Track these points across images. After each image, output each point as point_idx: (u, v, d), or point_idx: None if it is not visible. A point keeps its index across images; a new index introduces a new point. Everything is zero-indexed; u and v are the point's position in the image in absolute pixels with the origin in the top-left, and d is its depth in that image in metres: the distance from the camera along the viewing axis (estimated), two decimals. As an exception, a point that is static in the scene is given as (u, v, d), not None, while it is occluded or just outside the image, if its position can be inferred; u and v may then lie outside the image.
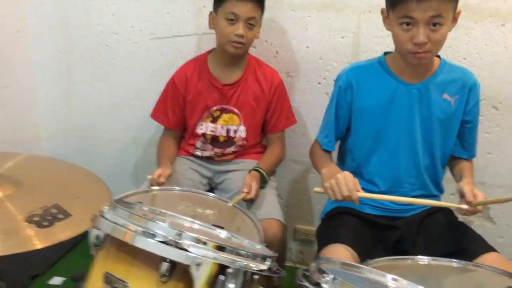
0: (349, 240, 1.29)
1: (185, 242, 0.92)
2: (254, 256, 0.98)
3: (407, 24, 1.25)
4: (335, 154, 1.58)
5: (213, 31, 1.68)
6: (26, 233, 1.15)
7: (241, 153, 1.77)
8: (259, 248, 1.12)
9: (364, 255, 1.24)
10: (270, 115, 1.75)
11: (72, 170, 1.58)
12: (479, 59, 1.69)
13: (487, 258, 1.24)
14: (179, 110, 1.74)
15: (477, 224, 1.87)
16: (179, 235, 0.93)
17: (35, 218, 1.20)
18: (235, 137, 1.73)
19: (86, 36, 2.03)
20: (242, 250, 0.97)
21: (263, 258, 0.99)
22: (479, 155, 1.71)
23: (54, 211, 1.24)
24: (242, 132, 1.73)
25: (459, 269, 1.17)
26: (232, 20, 1.57)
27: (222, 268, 0.93)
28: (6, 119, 2.08)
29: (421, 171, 1.44)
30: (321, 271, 0.90)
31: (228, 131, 1.72)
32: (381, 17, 1.37)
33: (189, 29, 1.92)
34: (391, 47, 1.39)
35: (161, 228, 0.94)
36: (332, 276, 0.89)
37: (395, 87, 1.40)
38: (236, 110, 1.71)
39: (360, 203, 1.43)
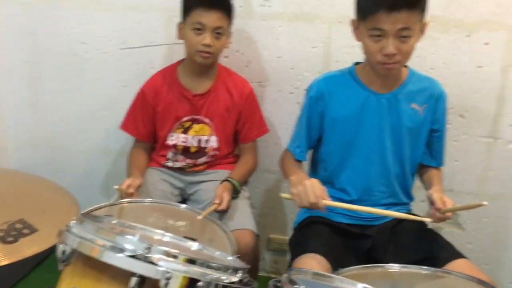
0: (321, 249, 1.29)
1: (155, 256, 0.91)
2: (225, 268, 0.97)
3: (377, 35, 1.27)
4: (306, 164, 1.59)
5: (183, 40, 1.67)
6: (-10, 249, 1.12)
7: (213, 163, 1.76)
8: (231, 259, 1.11)
9: (337, 264, 1.25)
10: (242, 124, 1.75)
11: (38, 183, 1.54)
12: (446, 69, 1.73)
13: (456, 265, 1.26)
14: (149, 121, 1.72)
15: (446, 231, 1.90)
16: (148, 248, 0.91)
17: (-1, 234, 1.16)
18: (206, 147, 1.72)
19: (54, 46, 1.99)
20: (213, 262, 0.96)
21: (235, 270, 0.99)
22: (447, 163, 1.75)
23: (19, 226, 1.21)
24: (213, 142, 1.72)
25: (428, 276, 1.19)
26: (199, 30, 1.57)
27: (192, 282, 0.92)
28: (-29, 131, 2.03)
29: (392, 179, 1.46)
30: (292, 282, 0.91)
31: (199, 141, 1.71)
32: (351, 28, 1.39)
33: (160, 39, 1.91)
34: (361, 57, 1.41)
35: (130, 242, 0.92)
36: (303, 287, 0.89)
37: (365, 97, 1.42)
38: (207, 120, 1.71)
39: (332, 212, 1.45)
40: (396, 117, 1.41)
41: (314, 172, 1.57)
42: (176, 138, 1.71)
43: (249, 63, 1.87)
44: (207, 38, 1.57)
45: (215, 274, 0.94)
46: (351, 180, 1.46)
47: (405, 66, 1.43)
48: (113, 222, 1.14)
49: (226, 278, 0.96)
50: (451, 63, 1.72)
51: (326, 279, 0.99)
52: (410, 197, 1.54)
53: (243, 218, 1.57)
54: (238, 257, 1.18)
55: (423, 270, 1.20)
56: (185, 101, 1.69)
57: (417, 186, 1.56)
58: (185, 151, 1.72)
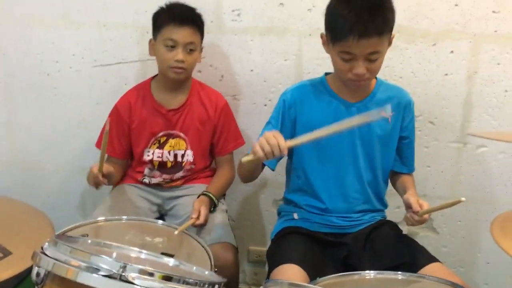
0: (298, 259, 1.30)
1: (130, 275, 0.90)
2: (202, 284, 0.98)
3: (347, 58, 1.31)
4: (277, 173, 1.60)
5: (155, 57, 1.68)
6: (-38, 274, 1.09)
7: (190, 178, 1.76)
8: (207, 274, 1.11)
9: (314, 274, 1.26)
10: (218, 137, 1.76)
11: (11, 204, 1.51)
12: (414, 77, 1.78)
13: (430, 269, 1.29)
14: (124, 138, 1.72)
15: (422, 235, 1.94)
16: (124, 267, 0.91)
17: (-28, 258, 1.14)
18: (182, 161, 1.72)
19: (25, 65, 1.98)
20: (189, 278, 0.96)
21: (212, 285, 0.99)
22: (419, 169, 1.79)
23: (-8, 249, 1.19)
24: (189, 156, 1.72)
25: (404, 281, 1.21)
26: (171, 46, 1.58)
27: (170, 298, 0.92)
28: None
29: (365, 186, 1.49)
30: (269, 294, 0.91)
31: (175, 156, 1.72)
32: (321, 41, 1.42)
33: (133, 56, 1.91)
34: (332, 68, 1.44)
35: (105, 262, 0.92)
36: (279, 298, 0.90)
37: (336, 106, 1.45)
38: (182, 135, 1.71)
39: (309, 222, 1.47)
40: (366, 125, 1.44)
41: (288, 180, 1.59)
42: (152, 154, 1.71)
43: (222, 77, 1.89)
44: (179, 54, 1.58)
45: (192, 290, 0.95)
46: (325, 187, 1.48)
47: None
48: (89, 242, 1.13)
49: (203, 293, 0.96)
50: (418, 72, 1.77)
51: (302, 289, 1.00)
52: (384, 204, 1.57)
53: (221, 231, 1.57)
54: (216, 271, 1.18)
55: (399, 275, 1.22)
56: (160, 116, 1.70)
57: (391, 193, 1.59)
58: (161, 166, 1.72)
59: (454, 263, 1.95)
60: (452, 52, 1.74)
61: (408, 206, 1.34)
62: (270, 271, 1.35)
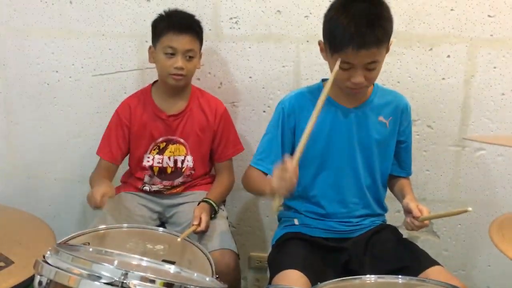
0: (299, 265, 1.31)
1: (132, 282, 0.91)
2: (203, 290, 0.98)
3: (346, 68, 1.32)
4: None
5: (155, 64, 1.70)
6: (-36, 284, 1.10)
7: (190, 184, 1.77)
8: (208, 280, 1.12)
9: (315, 279, 1.26)
10: (217, 143, 1.76)
11: (12, 214, 1.52)
12: (411, 82, 1.79)
13: (431, 272, 1.29)
14: (123, 142, 1.72)
15: (422, 239, 1.94)
16: (125, 275, 0.91)
17: (-26, 268, 1.14)
18: (182, 167, 1.73)
19: (25, 76, 1.99)
20: (190, 285, 0.96)
21: (213, 291, 0.99)
22: (419, 173, 1.81)
23: (-6, 259, 1.19)
24: (189, 161, 1.73)
25: (404, 285, 1.21)
26: (171, 54, 1.60)
27: (171, 305, 0.92)
28: None
29: (364, 191, 1.49)
30: (270, 299, 0.91)
31: (175, 161, 1.72)
32: (318, 47, 1.43)
33: (132, 64, 1.93)
34: (329, 74, 1.44)
35: (106, 270, 0.92)
36: (280, 303, 0.90)
37: (334, 112, 1.46)
38: (182, 140, 1.72)
39: (309, 227, 1.48)
40: (364, 130, 1.45)
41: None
42: (152, 160, 1.72)
43: (221, 84, 1.90)
44: (179, 62, 1.60)
45: (193, 296, 0.95)
46: (324, 193, 1.48)
47: None
48: (90, 250, 1.13)
49: (204, 299, 0.97)
50: (416, 76, 1.78)
51: (303, 294, 1.01)
52: (384, 208, 1.58)
53: (222, 238, 1.57)
54: (217, 277, 1.19)
55: (399, 279, 1.22)
56: (160, 121, 1.71)
57: (391, 197, 1.60)
58: (161, 172, 1.73)
59: (455, 266, 1.95)
60: (449, 56, 1.75)
61: (408, 212, 1.35)
62: (271, 277, 1.35)
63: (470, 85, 1.77)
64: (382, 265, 1.35)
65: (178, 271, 1.12)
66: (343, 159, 1.46)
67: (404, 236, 1.54)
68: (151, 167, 1.73)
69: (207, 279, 1.12)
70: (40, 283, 0.98)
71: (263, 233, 2.06)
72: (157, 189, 1.74)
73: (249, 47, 1.85)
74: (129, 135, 1.73)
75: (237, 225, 2.05)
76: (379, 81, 1.50)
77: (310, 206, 1.50)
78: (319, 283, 1.19)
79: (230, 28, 1.83)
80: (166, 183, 1.74)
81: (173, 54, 1.60)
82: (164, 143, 1.72)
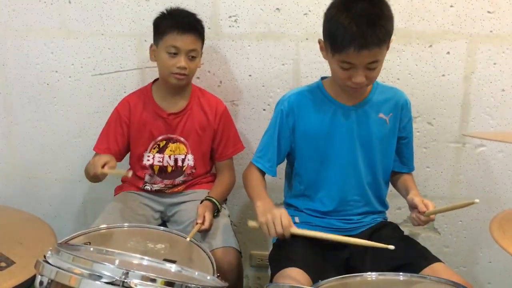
0: (300, 263, 1.31)
1: (133, 281, 0.91)
2: (204, 289, 0.98)
3: (347, 67, 1.32)
4: (277, 179, 1.61)
5: (155, 63, 1.69)
6: (-34, 285, 1.10)
7: (191, 183, 1.77)
8: (209, 279, 1.12)
9: (316, 277, 1.26)
10: (217, 142, 1.76)
11: (13, 214, 1.52)
12: (411, 79, 1.79)
13: (432, 269, 1.29)
14: (121, 139, 1.72)
15: (424, 236, 1.94)
16: (126, 274, 0.92)
17: (-25, 268, 1.15)
18: (183, 166, 1.73)
19: (25, 76, 1.99)
20: (191, 284, 0.97)
21: (214, 290, 1.00)
22: (419, 169, 1.80)
23: (-5, 259, 1.19)
24: (190, 160, 1.73)
25: (406, 282, 1.21)
26: (173, 53, 1.59)
27: (172, 304, 0.93)
28: None
29: (365, 188, 1.49)
30: (271, 298, 0.92)
31: (176, 160, 1.72)
32: (318, 46, 1.42)
33: (131, 64, 1.92)
34: (329, 72, 1.45)
35: (107, 269, 0.93)
36: (281, 301, 0.90)
37: (333, 110, 1.45)
38: (182, 139, 1.72)
39: (310, 225, 1.48)
40: (365, 127, 1.45)
41: (289, 186, 1.59)
42: (152, 158, 1.72)
43: (221, 83, 1.90)
44: (182, 61, 1.59)
45: (194, 295, 0.95)
46: (326, 191, 1.48)
47: None
48: (91, 249, 1.14)
49: (205, 298, 0.97)
50: (415, 73, 1.78)
51: (304, 292, 1.01)
52: (385, 205, 1.58)
53: (224, 236, 1.58)
54: (218, 276, 1.19)
55: (400, 276, 1.22)
56: (160, 119, 1.71)
57: (392, 194, 1.60)
58: (162, 171, 1.73)
59: (457, 263, 1.95)
60: (448, 53, 1.75)
61: (413, 207, 1.35)
62: (272, 275, 1.35)
63: (470, 81, 1.77)
64: (383, 263, 1.35)
65: (179, 270, 1.13)
66: (344, 157, 1.46)
67: (405, 233, 1.54)
68: (152, 166, 1.73)
69: (208, 277, 1.12)
70: (41, 283, 0.98)
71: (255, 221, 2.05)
72: (158, 188, 1.75)
73: (249, 46, 1.84)
74: (128, 133, 1.72)
75: (238, 223, 2.05)
76: (379, 78, 1.49)
77: (311, 203, 1.50)
78: (320, 280, 1.19)
79: (229, 26, 1.83)
80: (167, 182, 1.74)
81: (176, 54, 1.60)
82: (164, 142, 1.72)
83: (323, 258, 1.40)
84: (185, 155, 1.73)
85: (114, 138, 1.71)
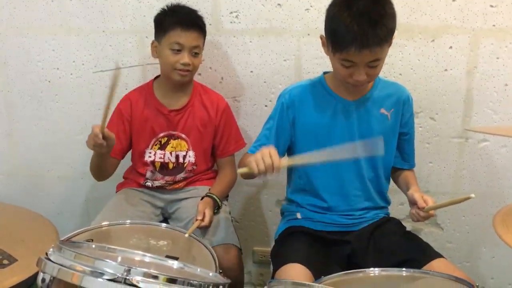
0: (303, 258, 1.31)
1: (135, 278, 0.91)
2: (206, 285, 0.98)
3: (348, 65, 1.31)
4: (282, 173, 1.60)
5: (157, 60, 1.69)
6: (-31, 282, 1.11)
7: (192, 180, 1.77)
8: (212, 275, 1.12)
9: (319, 273, 1.26)
10: (219, 139, 1.76)
11: (15, 212, 1.53)
12: (413, 74, 1.78)
13: (434, 264, 1.29)
14: (124, 136, 1.72)
15: (426, 231, 1.94)
16: (128, 271, 0.92)
17: (-22, 266, 1.15)
18: (184, 162, 1.73)
19: (26, 73, 1.99)
20: (193, 280, 0.96)
21: (216, 286, 1.00)
22: (422, 165, 1.80)
23: (-2, 257, 1.20)
24: (191, 157, 1.73)
25: (408, 277, 1.21)
26: (177, 50, 1.59)
27: (174, 300, 0.93)
28: None
29: (366, 183, 1.49)
30: (273, 294, 0.91)
31: (177, 157, 1.72)
32: (319, 40, 1.41)
33: (133, 61, 1.92)
34: (331, 67, 1.44)
35: (109, 266, 0.93)
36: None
37: (335, 104, 1.45)
38: (183, 136, 1.72)
39: (312, 221, 1.48)
40: (366, 123, 1.45)
41: (290, 181, 1.59)
42: (154, 155, 1.72)
43: (222, 79, 1.90)
44: (185, 58, 1.59)
45: (196, 291, 0.95)
46: (326, 186, 1.48)
47: None
48: (93, 246, 1.14)
49: (207, 295, 0.97)
50: (418, 68, 1.77)
51: (306, 288, 1.01)
52: (387, 201, 1.57)
53: (225, 233, 1.58)
54: (220, 272, 1.19)
55: (403, 272, 1.22)
56: (161, 116, 1.70)
57: (395, 190, 1.59)
58: (163, 167, 1.73)
59: (459, 258, 1.95)
60: (451, 47, 1.74)
61: (413, 203, 1.35)
62: (275, 271, 1.35)
63: (473, 76, 1.76)
64: (386, 258, 1.35)
65: (181, 267, 1.13)
66: (345, 152, 1.46)
67: (408, 228, 1.54)
68: (153, 162, 1.73)
69: (211, 274, 1.13)
70: (43, 280, 0.98)
71: (266, 227, 2.06)
72: (159, 184, 1.74)
73: (250, 41, 1.84)
74: (130, 130, 1.72)
75: (240, 220, 2.05)
76: (381, 73, 1.48)
77: (312, 199, 1.50)
78: (322, 276, 1.19)
79: (231, 22, 1.83)
80: (168, 178, 1.74)
81: (179, 50, 1.60)
82: (166, 138, 1.72)
83: (325, 254, 1.40)
84: (186, 152, 1.73)
85: (117, 135, 1.71)
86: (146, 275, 0.93)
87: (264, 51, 1.84)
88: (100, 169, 1.61)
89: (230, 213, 1.72)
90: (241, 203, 2.03)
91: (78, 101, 1.99)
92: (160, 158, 1.72)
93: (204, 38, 1.68)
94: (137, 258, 1.13)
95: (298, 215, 1.51)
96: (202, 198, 1.63)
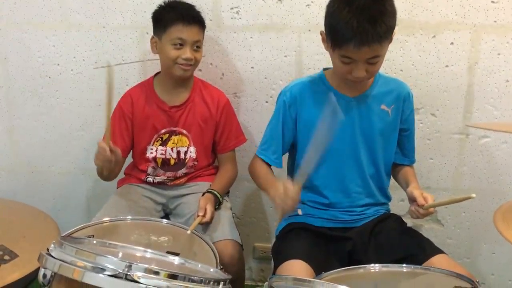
0: (304, 255, 1.31)
1: (136, 274, 0.91)
2: (207, 281, 0.98)
3: (347, 62, 1.31)
4: (281, 171, 1.61)
5: (157, 56, 1.69)
6: (-30, 278, 1.11)
7: (193, 175, 1.77)
8: (213, 271, 1.12)
9: (320, 269, 1.26)
10: (219, 135, 1.76)
11: (16, 208, 1.53)
12: (414, 70, 1.78)
13: (435, 260, 1.29)
14: (127, 134, 1.72)
15: (427, 228, 1.94)
16: (129, 267, 0.92)
17: (-21, 262, 1.15)
18: (185, 158, 1.73)
19: (26, 69, 1.98)
20: (194, 276, 0.97)
21: (217, 282, 1.00)
22: (422, 161, 1.80)
23: (-1, 252, 1.20)
24: (192, 152, 1.73)
25: (409, 274, 1.21)
26: (179, 44, 1.59)
27: (176, 296, 0.93)
28: None
29: (367, 179, 1.49)
30: (274, 290, 0.92)
31: (178, 153, 1.72)
32: (320, 35, 1.41)
33: (133, 56, 1.92)
34: (332, 64, 1.44)
35: (110, 262, 0.93)
36: (284, 293, 0.90)
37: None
38: (185, 132, 1.72)
39: (313, 217, 1.48)
40: (366, 119, 1.44)
41: (291, 177, 1.58)
42: (155, 151, 1.72)
43: (223, 75, 1.89)
44: (188, 53, 1.60)
45: (197, 287, 0.95)
46: (328, 183, 1.48)
47: None
48: (94, 242, 1.14)
49: (208, 290, 0.97)
50: (419, 64, 1.77)
51: (307, 284, 1.01)
52: (388, 197, 1.57)
53: (226, 228, 1.58)
54: (221, 268, 1.19)
55: (404, 268, 1.22)
56: (162, 113, 1.70)
57: (395, 186, 1.60)
58: (165, 163, 1.73)
59: (460, 254, 1.95)
60: (452, 43, 1.73)
61: (413, 200, 1.35)
62: (275, 267, 1.36)
63: (474, 72, 1.75)
64: (386, 254, 1.35)
65: (182, 263, 1.13)
66: (346, 148, 1.46)
67: (408, 224, 1.54)
68: (154, 158, 1.73)
69: (212, 270, 1.13)
70: (44, 276, 0.98)
71: (267, 223, 2.06)
72: (160, 180, 1.75)
73: (251, 37, 1.83)
74: (132, 127, 1.72)
75: (241, 216, 2.05)
76: (381, 69, 1.48)
77: (313, 196, 1.50)
78: (323, 272, 1.20)
79: (231, 18, 1.82)
80: (169, 174, 1.74)
81: (181, 45, 1.60)
82: (167, 135, 1.72)
83: (326, 250, 1.41)
84: (188, 148, 1.73)
85: (120, 133, 1.72)
86: (147, 271, 0.93)
87: (265, 47, 1.83)
88: (109, 175, 1.62)
89: (231, 209, 1.72)
90: (242, 199, 2.03)
91: (78, 97, 1.99)
92: (162, 154, 1.72)
93: (204, 32, 1.68)
94: (138, 254, 1.13)
95: (299, 212, 1.51)
96: (203, 194, 1.63)
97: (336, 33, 1.29)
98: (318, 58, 1.80)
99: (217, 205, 1.64)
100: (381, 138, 1.47)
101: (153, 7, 1.68)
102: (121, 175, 1.83)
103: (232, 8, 1.81)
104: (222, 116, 1.75)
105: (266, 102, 1.90)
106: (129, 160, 1.81)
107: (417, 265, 1.23)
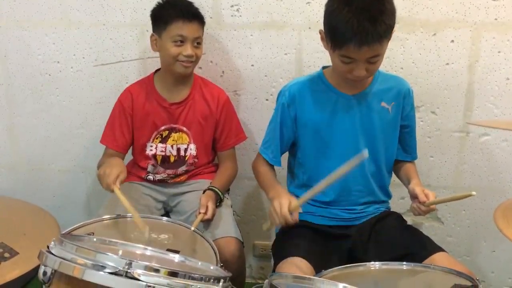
0: (304, 252, 1.31)
1: (136, 271, 0.91)
2: (207, 279, 0.98)
3: (348, 62, 1.30)
4: (281, 169, 1.61)
5: (157, 53, 1.69)
6: (-30, 275, 1.10)
7: (194, 173, 1.77)
8: (213, 269, 1.12)
9: (320, 266, 1.27)
10: (220, 132, 1.76)
11: (16, 205, 1.53)
12: (415, 67, 1.77)
13: (435, 258, 1.29)
14: (127, 130, 1.72)
15: (427, 225, 1.94)
16: (129, 264, 0.92)
17: (-21, 259, 1.15)
18: (185, 155, 1.73)
19: (26, 67, 1.98)
20: (195, 273, 0.97)
21: (217, 280, 1.00)
22: (423, 159, 1.80)
23: (-1, 250, 1.20)
24: (192, 150, 1.73)
25: (409, 271, 1.22)
26: (180, 41, 1.59)
27: (176, 293, 0.93)
28: None
29: (368, 178, 1.49)
30: (273, 287, 0.92)
31: (178, 150, 1.72)
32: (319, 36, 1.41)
33: (133, 54, 1.92)
34: (331, 62, 1.43)
35: (111, 259, 0.93)
36: (284, 291, 0.91)
37: (335, 99, 1.45)
38: (185, 129, 1.72)
39: (313, 215, 1.48)
40: (367, 116, 1.44)
41: (292, 176, 1.59)
42: (155, 148, 1.72)
43: (223, 73, 1.89)
44: (188, 49, 1.60)
45: (197, 285, 0.95)
46: None
47: None
48: (94, 240, 1.14)
49: (208, 288, 0.97)
50: (419, 62, 1.76)
51: (307, 282, 1.01)
52: (388, 195, 1.57)
53: (227, 226, 1.58)
54: (221, 266, 1.19)
55: (404, 265, 1.22)
56: (162, 110, 1.71)
57: (396, 184, 1.59)
58: (165, 161, 1.73)
59: (460, 252, 1.95)
60: (452, 41, 1.73)
61: (414, 196, 1.35)
62: (275, 264, 1.36)
63: (474, 70, 1.75)
64: (387, 252, 1.35)
65: (182, 260, 1.13)
66: (347, 146, 1.45)
67: (408, 222, 1.54)
68: (154, 155, 1.73)
69: (212, 267, 1.13)
70: (44, 273, 0.98)
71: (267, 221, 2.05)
72: (161, 178, 1.75)
73: (251, 35, 1.83)
74: (132, 123, 1.72)
75: (241, 213, 2.05)
76: (382, 67, 1.48)
77: (314, 194, 1.50)
78: (323, 270, 1.20)
79: (232, 16, 1.82)
80: (169, 171, 1.74)
81: (182, 42, 1.60)
82: (167, 132, 1.72)
83: (326, 248, 1.41)
84: (188, 145, 1.73)
85: (120, 129, 1.72)
86: (147, 268, 0.93)
87: (265, 44, 1.83)
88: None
89: (231, 206, 1.72)
90: (242, 197, 2.04)
91: (78, 95, 1.99)
92: (162, 151, 1.72)
93: (203, 28, 1.68)
94: (139, 251, 1.14)
95: (300, 210, 1.51)
96: (204, 191, 1.63)
97: (336, 33, 1.28)
98: (319, 56, 1.80)
99: (218, 202, 1.64)
100: (382, 135, 1.46)
101: (153, 4, 1.68)
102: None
103: (232, 6, 1.81)
104: (222, 113, 1.75)
105: (266, 100, 1.89)
106: (129, 157, 1.81)
107: (417, 263, 1.23)
